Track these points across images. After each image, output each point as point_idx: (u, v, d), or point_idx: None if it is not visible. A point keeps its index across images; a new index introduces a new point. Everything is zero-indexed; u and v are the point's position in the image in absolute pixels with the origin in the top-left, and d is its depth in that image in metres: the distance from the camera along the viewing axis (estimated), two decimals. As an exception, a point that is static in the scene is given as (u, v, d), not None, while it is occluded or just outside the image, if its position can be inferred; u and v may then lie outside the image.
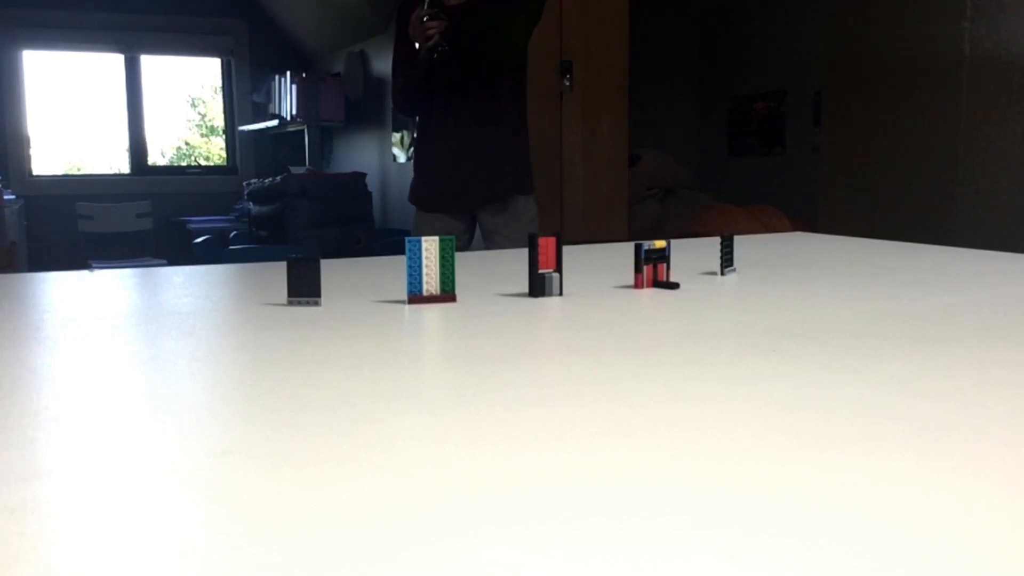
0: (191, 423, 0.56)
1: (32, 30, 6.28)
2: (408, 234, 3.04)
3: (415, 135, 3.22)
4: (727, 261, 1.23)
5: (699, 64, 6.40)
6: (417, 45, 2.52)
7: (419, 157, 2.88)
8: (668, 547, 0.37)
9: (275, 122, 6.01)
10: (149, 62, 6.72)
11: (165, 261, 5.89)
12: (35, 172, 6.44)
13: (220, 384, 0.67)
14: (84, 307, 1.01)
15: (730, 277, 1.21)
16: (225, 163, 7.11)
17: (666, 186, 5.38)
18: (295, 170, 5.27)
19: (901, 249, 1.53)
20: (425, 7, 2.46)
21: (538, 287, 1.05)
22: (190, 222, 6.18)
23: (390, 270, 1.32)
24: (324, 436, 0.53)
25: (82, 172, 6.96)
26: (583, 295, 1.06)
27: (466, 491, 0.44)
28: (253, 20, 6.63)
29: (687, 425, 0.55)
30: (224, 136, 7.12)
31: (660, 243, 1.12)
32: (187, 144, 7.95)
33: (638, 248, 1.11)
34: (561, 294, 1.06)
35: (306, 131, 5.71)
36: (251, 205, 4.96)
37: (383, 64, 5.03)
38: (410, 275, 1.00)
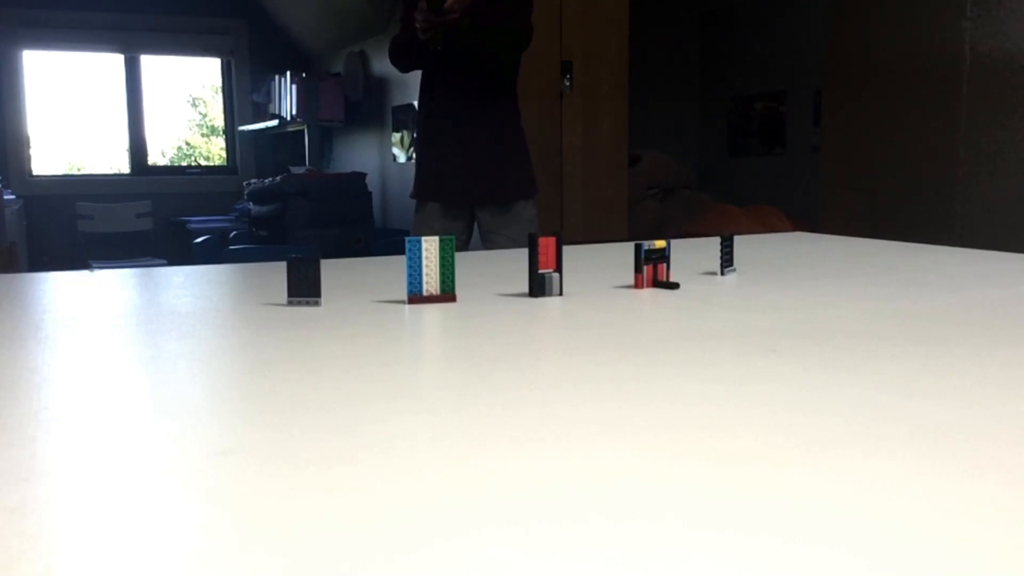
0: (191, 423, 0.56)
1: (32, 30, 6.28)
2: (408, 234, 3.05)
3: (415, 134, 3.23)
4: (727, 261, 1.23)
5: (699, 64, 6.40)
6: (418, 27, 2.55)
7: (419, 151, 2.90)
8: (668, 547, 0.37)
9: (275, 122, 6.01)
10: (149, 62, 6.72)
11: (165, 261, 5.90)
12: (35, 172, 6.43)
13: (220, 384, 0.67)
14: (84, 307, 1.01)
15: (730, 277, 1.21)
16: (225, 163, 7.11)
17: (666, 186, 5.38)
18: (295, 170, 5.27)
19: (901, 249, 1.53)
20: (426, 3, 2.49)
21: (538, 287, 1.05)
22: (190, 222, 6.18)
23: (390, 270, 1.32)
24: (324, 436, 0.53)
25: (82, 172, 6.96)
26: (583, 295, 1.06)
27: (466, 491, 0.44)
28: (253, 20, 6.63)
29: (687, 425, 0.55)
30: (224, 136, 7.12)
31: (660, 243, 1.12)
32: (187, 144, 7.95)
33: (638, 248, 1.10)
34: (561, 294, 1.06)
35: (306, 131, 5.71)
36: (251, 205, 4.96)
37: (383, 64, 5.03)
38: (410, 275, 1.00)
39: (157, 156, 7.14)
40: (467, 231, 2.83)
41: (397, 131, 5.21)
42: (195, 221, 6.21)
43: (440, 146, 2.77)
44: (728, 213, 4.72)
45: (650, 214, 5.13)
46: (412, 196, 2.87)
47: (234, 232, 5.38)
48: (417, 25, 2.54)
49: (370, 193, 4.99)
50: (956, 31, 3.24)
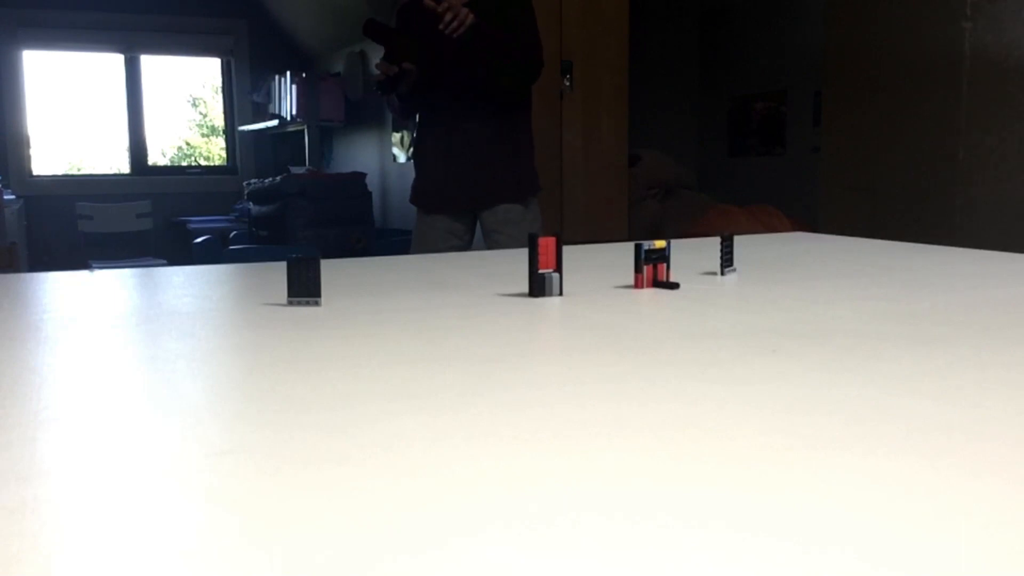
0: (191, 423, 0.56)
1: (32, 30, 6.28)
2: (408, 234, 3.04)
3: (415, 135, 3.23)
4: (727, 261, 1.23)
5: (699, 64, 6.40)
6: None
7: (419, 157, 2.88)
8: (668, 547, 0.37)
9: (275, 122, 6.01)
10: (149, 62, 6.72)
11: (165, 261, 5.90)
12: (35, 172, 6.44)
13: (220, 384, 0.67)
14: (84, 307, 1.01)
15: (730, 277, 1.21)
16: (225, 163, 7.11)
17: (666, 186, 5.38)
18: (295, 170, 5.27)
19: (901, 249, 1.53)
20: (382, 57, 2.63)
21: (538, 287, 1.05)
22: (190, 222, 6.18)
23: (390, 270, 1.32)
24: (324, 436, 0.53)
25: (82, 172, 6.96)
26: (583, 295, 1.06)
27: (466, 491, 0.44)
28: (253, 20, 6.63)
29: (687, 425, 0.55)
30: (224, 136, 7.12)
31: (660, 243, 1.12)
32: (187, 144, 7.95)
33: (638, 248, 1.10)
34: (561, 294, 1.06)
35: (306, 131, 5.71)
36: (251, 205, 4.96)
37: (383, 64, 5.03)
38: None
39: (157, 156, 7.14)
40: (469, 231, 2.83)
41: (397, 131, 5.21)
42: (195, 221, 6.21)
43: (439, 152, 2.76)
44: (728, 213, 4.72)
45: (650, 214, 5.13)
46: (412, 202, 2.86)
47: (234, 232, 5.38)
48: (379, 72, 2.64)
49: (370, 193, 4.99)
50: (956, 31, 3.24)
